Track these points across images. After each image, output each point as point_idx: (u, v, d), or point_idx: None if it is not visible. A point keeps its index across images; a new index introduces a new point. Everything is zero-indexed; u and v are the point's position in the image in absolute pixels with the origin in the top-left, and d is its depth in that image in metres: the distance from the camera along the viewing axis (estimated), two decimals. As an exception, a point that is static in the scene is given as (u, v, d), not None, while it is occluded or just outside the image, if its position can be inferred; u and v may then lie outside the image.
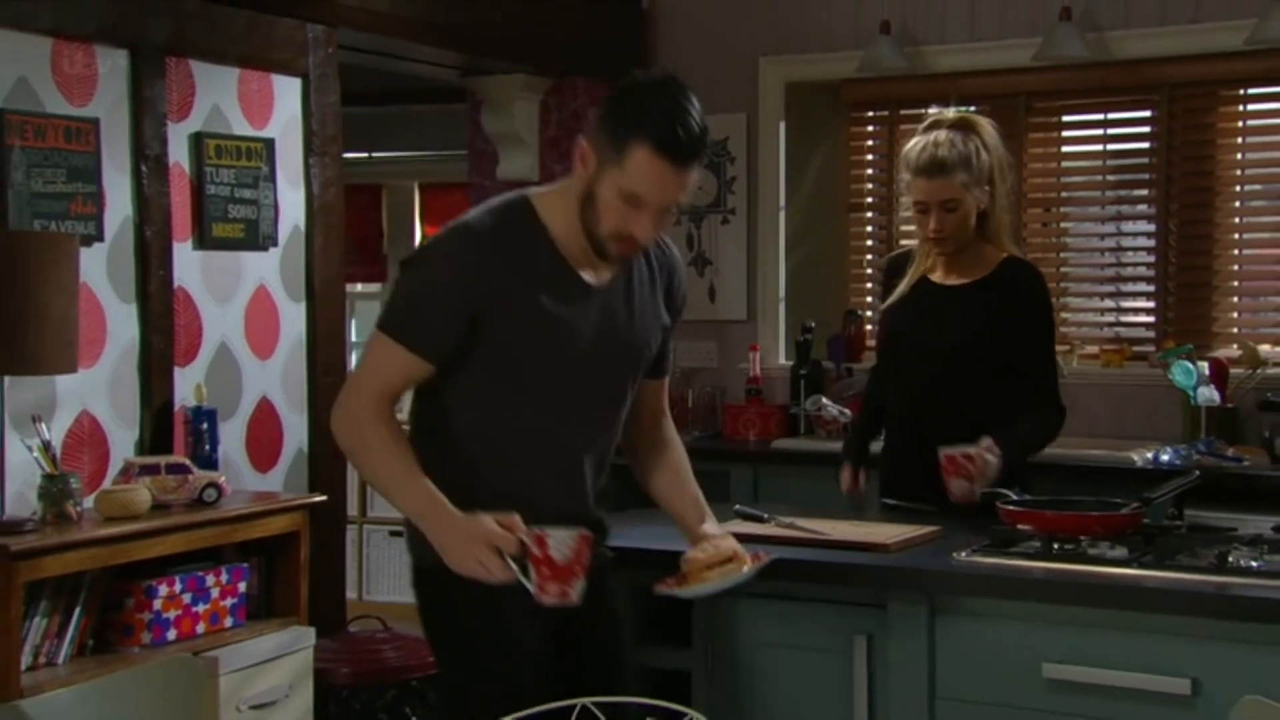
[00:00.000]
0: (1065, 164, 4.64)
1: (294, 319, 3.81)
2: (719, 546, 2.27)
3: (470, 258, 2.07)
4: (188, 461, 3.23)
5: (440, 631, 2.27)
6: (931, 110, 3.01)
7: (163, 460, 3.18)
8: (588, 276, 2.15)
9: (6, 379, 2.92)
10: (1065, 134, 4.63)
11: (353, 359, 4.72)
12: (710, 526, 2.36)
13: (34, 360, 2.83)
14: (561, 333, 2.13)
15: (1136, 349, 4.43)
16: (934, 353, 2.93)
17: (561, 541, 2.00)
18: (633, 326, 2.22)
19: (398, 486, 2.12)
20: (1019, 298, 2.89)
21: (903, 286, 3.01)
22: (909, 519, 2.83)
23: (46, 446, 2.92)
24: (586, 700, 1.87)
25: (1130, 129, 4.52)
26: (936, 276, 2.97)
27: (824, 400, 4.29)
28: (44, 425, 2.97)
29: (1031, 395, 2.92)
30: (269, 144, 3.71)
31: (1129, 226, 4.54)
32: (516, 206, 2.14)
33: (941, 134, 2.90)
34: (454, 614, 2.22)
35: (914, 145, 2.92)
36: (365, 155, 6.35)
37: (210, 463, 3.38)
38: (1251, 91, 4.34)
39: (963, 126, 2.91)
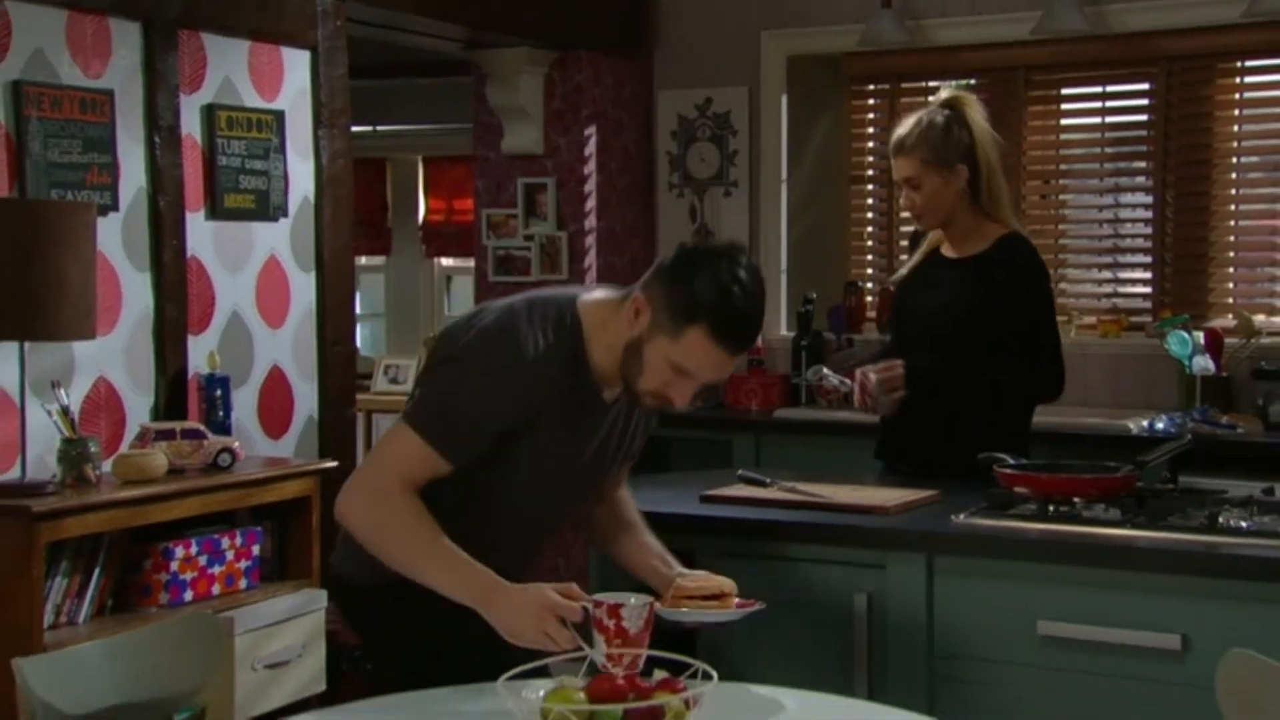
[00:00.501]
0: (1064, 136, 4.69)
1: (304, 289, 3.88)
2: (710, 580, 2.22)
3: (520, 380, 2.07)
4: (202, 427, 3.29)
5: (389, 646, 2.26)
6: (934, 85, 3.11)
7: (178, 426, 3.25)
8: (607, 395, 2.19)
9: (26, 345, 2.98)
10: (1064, 106, 4.68)
11: (359, 331, 4.78)
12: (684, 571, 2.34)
13: (53, 327, 2.89)
14: (572, 449, 2.17)
15: (1133, 319, 4.49)
16: (928, 323, 3.03)
17: (634, 611, 1.93)
18: (625, 434, 2.27)
19: (441, 560, 2.02)
20: (1013, 273, 2.96)
21: (914, 259, 3.13)
22: (907, 483, 2.90)
23: (65, 411, 2.99)
24: (592, 652, 1.95)
25: (1128, 101, 4.57)
26: (945, 250, 3.08)
27: (825, 370, 4.33)
28: (63, 390, 3.03)
29: (1029, 366, 2.99)
30: (279, 116, 3.76)
31: (1127, 198, 4.60)
32: (567, 323, 2.12)
33: (915, 115, 3.02)
34: (402, 631, 2.19)
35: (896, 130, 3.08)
36: (369, 129, 6.40)
37: (224, 429, 3.45)
38: (1249, 64, 4.39)
39: (948, 105, 3.01)
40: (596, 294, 2.19)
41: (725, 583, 2.19)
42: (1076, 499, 2.56)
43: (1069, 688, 2.37)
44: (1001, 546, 2.45)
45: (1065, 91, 4.66)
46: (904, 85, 4.85)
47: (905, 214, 4.86)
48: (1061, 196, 4.72)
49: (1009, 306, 2.96)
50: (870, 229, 4.99)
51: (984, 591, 2.46)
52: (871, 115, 4.99)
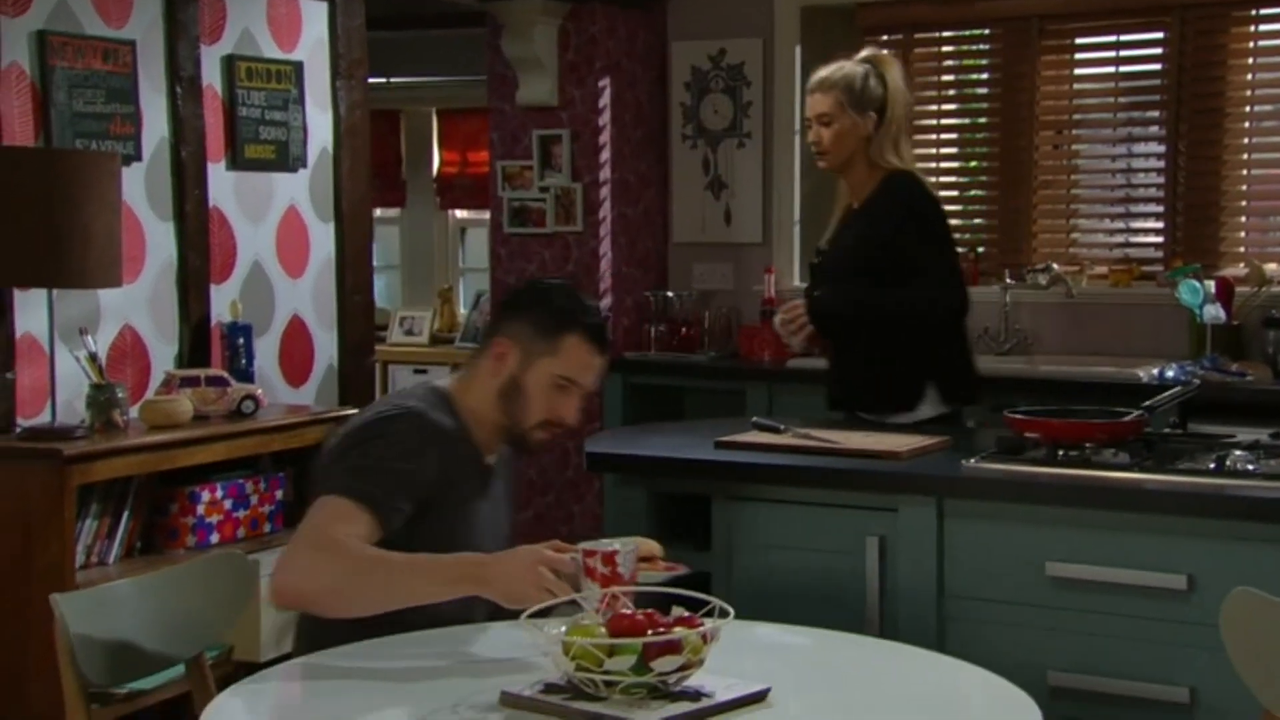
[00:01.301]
0: (1077, 86, 4.69)
1: (323, 239, 3.92)
2: (643, 543, 2.20)
3: (421, 438, 2.09)
4: (226, 374, 3.35)
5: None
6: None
7: (202, 373, 3.31)
8: (489, 459, 2.24)
9: (54, 293, 3.03)
10: (1078, 56, 4.68)
11: (383, 280, 4.82)
12: None
13: (80, 275, 2.94)
14: (473, 516, 2.19)
15: (1145, 269, 4.51)
16: (827, 267, 3.23)
17: (627, 556, 1.96)
18: (502, 508, 2.30)
19: (417, 570, 1.96)
20: (897, 206, 3.12)
21: (833, 222, 3.31)
22: (868, 428, 3.06)
23: (93, 357, 3.04)
24: (616, 589, 2.00)
25: (1142, 50, 4.57)
26: (853, 203, 3.24)
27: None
28: (90, 337, 3.09)
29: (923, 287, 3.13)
30: (297, 67, 3.79)
31: (1139, 148, 4.60)
32: (443, 402, 2.18)
33: (840, 60, 3.22)
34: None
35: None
36: (383, 80, 6.40)
37: (246, 376, 3.50)
38: (1263, 12, 4.37)
39: (869, 60, 3.22)
40: (449, 380, 2.27)
41: (651, 545, 2.19)
42: (1086, 444, 2.60)
43: (1077, 627, 2.43)
44: (1011, 490, 2.50)
45: (1079, 41, 4.66)
46: (918, 36, 4.85)
47: (921, 164, 4.90)
48: (1074, 147, 4.73)
49: (890, 235, 3.10)
50: (883, 180, 5.00)
51: (994, 534, 2.51)
52: (885, 66, 4.98)
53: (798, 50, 4.86)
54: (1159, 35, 4.50)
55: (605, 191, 4.80)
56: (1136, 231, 4.62)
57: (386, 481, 2.04)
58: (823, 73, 3.20)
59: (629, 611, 1.82)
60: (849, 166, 3.17)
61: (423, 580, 1.95)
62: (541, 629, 1.78)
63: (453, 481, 2.12)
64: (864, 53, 3.26)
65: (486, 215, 5.62)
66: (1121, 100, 4.59)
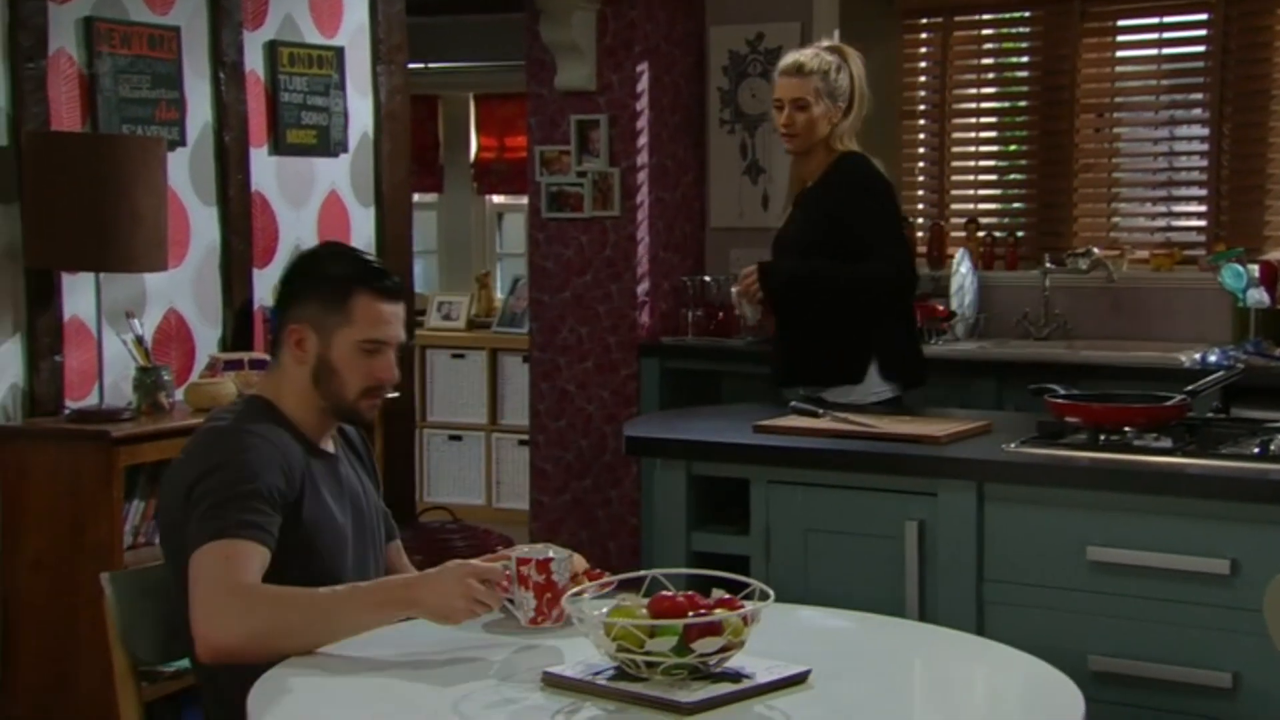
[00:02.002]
0: (1119, 69, 4.65)
1: (363, 223, 3.95)
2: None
3: (257, 446, 2.02)
4: (269, 358, 3.38)
5: None
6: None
7: (246, 356, 3.35)
8: (326, 446, 2.15)
9: (101, 276, 3.08)
10: (1120, 38, 4.64)
11: (420, 265, 4.85)
12: None
13: (128, 258, 2.98)
14: (328, 507, 2.11)
15: (1187, 253, 4.47)
16: (781, 244, 3.34)
17: (562, 565, 1.91)
18: (366, 490, 2.22)
19: (343, 603, 1.91)
20: (842, 183, 3.24)
21: (787, 204, 3.41)
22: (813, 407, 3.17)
23: (140, 341, 3.09)
24: (657, 571, 2.02)
25: (1186, 32, 4.52)
26: (805, 185, 3.34)
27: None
28: (136, 321, 3.13)
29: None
30: (339, 52, 3.82)
31: (1182, 130, 4.56)
32: (261, 407, 2.11)
33: (812, 48, 3.34)
34: None
35: (787, 54, 3.36)
36: (421, 66, 6.42)
37: (288, 359, 3.53)
38: (1310, -6, 4.32)
39: (834, 51, 3.33)
40: (259, 386, 2.19)
41: (579, 561, 2.08)
42: (1127, 428, 2.59)
43: (1119, 611, 2.42)
44: (1052, 474, 2.49)
45: (1121, 23, 4.62)
46: (957, 19, 4.82)
47: (960, 149, 4.89)
48: (1115, 130, 4.69)
49: (840, 214, 3.21)
50: (922, 164, 4.99)
51: (1034, 518, 2.50)
52: (925, 49, 4.96)
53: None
54: (1202, 17, 4.45)
55: (643, 176, 4.80)
56: (1179, 215, 4.58)
57: (249, 506, 1.96)
58: (799, 58, 3.28)
59: (670, 594, 1.84)
60: (811, 153, 3.28)
61: (351, 611, 1.88)
62: (583, 610, 1.79)
63: (299, 480, 2.05)
64: (827, 42, 3.41)
65: (523, 200, 5.64)
66: (1164, 83, 4.55)
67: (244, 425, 2.04)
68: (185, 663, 2.10)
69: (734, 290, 3.30)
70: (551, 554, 1.92)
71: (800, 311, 3.26)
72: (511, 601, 1.92)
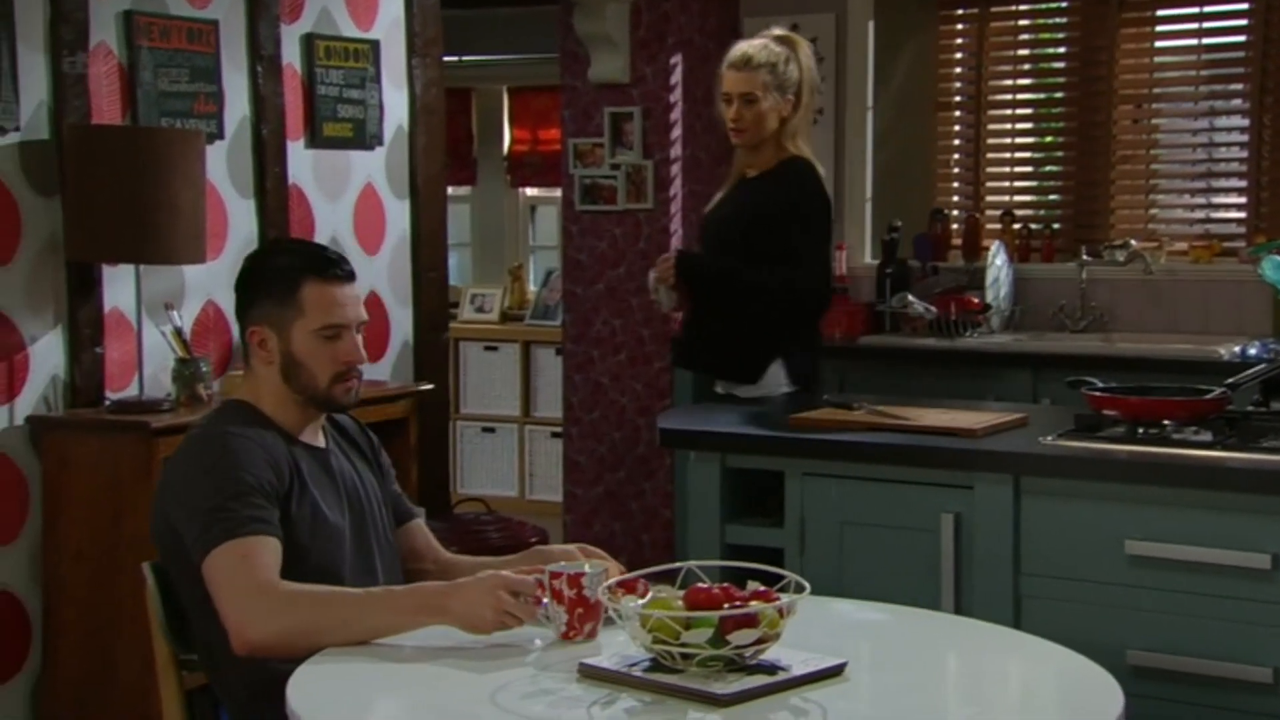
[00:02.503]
0: (1158, 59, 4.61)
1: (398, 216, 3.97)
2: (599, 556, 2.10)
3: (251, 454, 2.03)
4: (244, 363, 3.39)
5: None
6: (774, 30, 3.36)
7: (283, 348, 3.36)
8: (311, 440, 2.15)
9: (141, 268, 3.11)
10: (1159, 29, 4.59)
11: (453, 258, 4.87)
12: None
13: (167, 250, 3.01)
14: (320, 502, 2.10)
15: (1226, 245, 4.43)
16: (711, 230, 3.35)
17: (594, 580, 1.88)
18: (365, 480, 2.21)
19: (372, 604, 1.91)
20: (785, 186, 3.23)
21: (724, 187, 3.40)
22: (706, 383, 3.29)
23: (179, 332, 3.11)
24: (693, 564, 2.02)
25: (1225, 22, 4.47)
26: (747, 172, 3.33)
27: (910, 298, 4.37)
28: (175, 312, 3.16)
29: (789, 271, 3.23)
30: (374, 45, 3.84)
31: (1221, 121, 4.51)
32: (241, 409, 2.12)
33: (761, 39, 3.27)
34: None
35: (735, 45, 3.31)
36: (455, 59, 6.44)
37: (325, 351, 3.56)
38: (1353, -17, 4.27)
39: (784, 42, 3.28)
40: (241, 391, 2.19)
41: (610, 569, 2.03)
42: (1166, 421, 2.57)
43: (1158, 606, 2.41)
44: (1090, 468, 2.48)
45: (1160, 13, 4.57)
46: (994, 9, 4.79)
47: (995, 140, 4.85)
48: (1154, 121, 4.65)
49: (775, 215, 3.20)
50: (957, 155, 4.96)
51: (1072, 512, 2.49)
52: (960, 40, 4.93)
53: (870, 26, 4.82)
54: (1243, 6, 4.40)
55: (676, 169, 4.80)
56: (1218, 207, 4.54)
57: (247, 502, 1.97)
58: (747, 50, 3.24)
59: (706, 585, 1.84)
60: (761, 145, 3.25)
61: (382, 614, 1.89)
62: (619, 602, 1.80)
63: (288, 474, 2.06)
64: (776, 32, 3.32)
65: (556, 193, 5.65)
66: (1203, 73, 4.50)
67: (225, 428, 2.06)
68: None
69: (651, 275, 3.29)
70: (586, 568, 1.91)
71: (712, 304, 3.28)
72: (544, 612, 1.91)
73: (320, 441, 2.16)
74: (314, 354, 2.08)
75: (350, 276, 2.12)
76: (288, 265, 2.10)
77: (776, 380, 3.28)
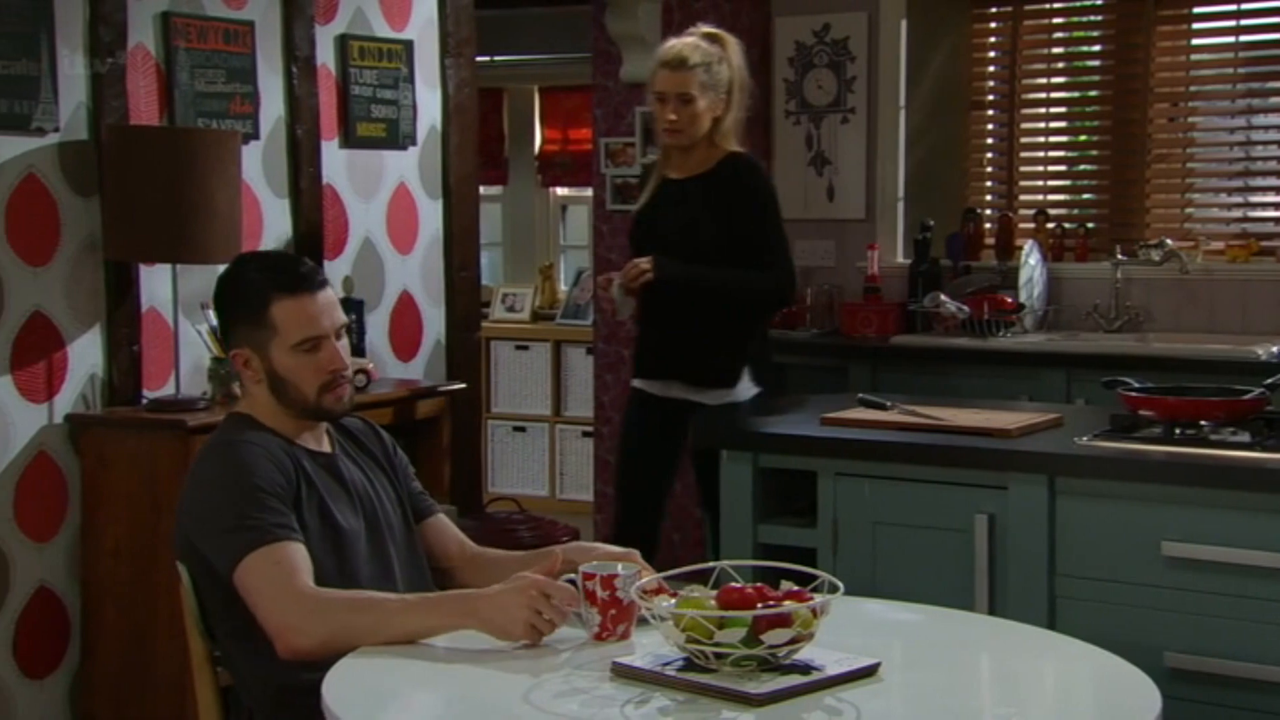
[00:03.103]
0: (1194, 57, 4.57)
1: (431, 216, 3.99)
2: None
3: (259, 461, 2.04)
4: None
5: None
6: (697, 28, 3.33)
7: (317, 347, 3.38)
8: (315, 445, 2.15)
9: (178, 267, 3.13)
10: (1195, 26, 4.55)
11: (484, 257, 4.88)
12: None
13: (203, 250, 3.03)
14: (331, 507, 2.11)
15: (1264, 244, 4.39)
16: (665, 239, 3.23)
17: (628, 581, 1.88)
18: (377, 481, 2.21)
19: (406, 609, 1.91)
20: (737, 185, 3.20)
21: (648, 189, 3.34)
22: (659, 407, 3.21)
23: (214, 331, 3.14)
24: (725, 563, 2.02)
25: (1264, 19, 4.42)
26: (673, 174, 3.28)
27: (942, 297, 4.35)
28: (211, 311, 3.18)
29: (755, 267, 3.22)
30: (408, 45, 3.85)
31: (1260, 119, 4.47)
32: (243, 421, 2.13)
33: (692, 38, 3.24)
34: None
35: (666, 43, 3.28)
36: (487, 59, 6.46)
37: (358, 351, 3.58)
38: (1394, -22, 4.22)
39: (715, 40, 3.26)
40: (241, 405, 2.20)
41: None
42: (1203, 422, 2.55)
43: (1195, 608, 2.39)
44: (1126, 469, 2.46)
45: (1197, 10, 4.53)
46: (1027, 8, 4.76)
47: (1028, 139, 4.82)
48: (1190, 119, 4.61)
49: (735, 214, 3.18)
50: (990, 154, 4.94)
51: (1107, 512, 2.47)
52: (994, 39, 4.90)
53: (903, 25, 4.80)
54: (1281, 3, 4.36)
55: (708, 168, 4.79)
56: (1255, 206, 4.49)
57: (266, 506, 1.99)
58: (681, 50, 3.20)
59: (739, 584, 1.84)
60: (693, 146, 3.22)
61: (414, 617, 1.89)
62: (651, 601, 1.80)
63: (295, 477, 2.07)
64: (705, 29, 3.29)
65: (586, 192, 5.65)
66: (1241, 71, 4.46)
67: (230, 439, 2.08)
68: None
69: (615, 282, 3.20)
70: (619, 570, 1.90)
71: (684, 313, 3.20)
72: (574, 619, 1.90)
73: (325, 447, 2.17)
74: (297, 369, 2.08)
75: (319, 285, 2.10)
76: (254, 284, 2.09)
77: (746, 384, 3.27)
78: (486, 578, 2.12)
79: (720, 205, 3.19)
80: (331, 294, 2.14)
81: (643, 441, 3.34)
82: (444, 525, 2.28)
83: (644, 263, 3.17)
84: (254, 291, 2.09)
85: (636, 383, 3.36)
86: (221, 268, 3.25)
